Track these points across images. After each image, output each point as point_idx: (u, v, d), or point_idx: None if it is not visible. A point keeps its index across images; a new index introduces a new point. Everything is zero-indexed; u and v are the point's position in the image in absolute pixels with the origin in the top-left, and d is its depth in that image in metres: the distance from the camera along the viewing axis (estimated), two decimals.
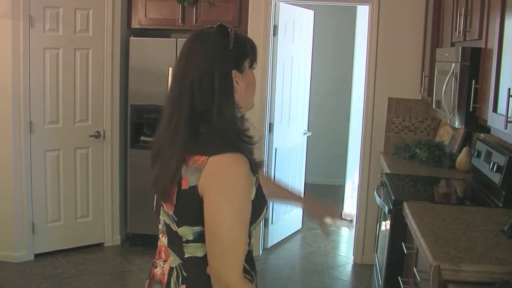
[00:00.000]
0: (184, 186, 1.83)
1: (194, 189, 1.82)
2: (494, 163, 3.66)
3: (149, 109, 5.75)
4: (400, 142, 5.40)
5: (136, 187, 5.89)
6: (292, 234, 6.53)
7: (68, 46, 5.46)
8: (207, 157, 1.81)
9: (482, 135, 4.29)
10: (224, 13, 5.68)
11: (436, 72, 4.02)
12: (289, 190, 2.68)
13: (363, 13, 6.58)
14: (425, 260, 2.56)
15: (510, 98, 2.39)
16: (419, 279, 2.76)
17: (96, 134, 5.69)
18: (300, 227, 6.74)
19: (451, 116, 3.51)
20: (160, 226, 2.04)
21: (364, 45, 5.74)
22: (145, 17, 5.83)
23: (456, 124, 3.46)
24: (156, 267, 2.04)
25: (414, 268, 2.92)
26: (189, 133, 1.87)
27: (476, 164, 4.13)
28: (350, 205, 6.94)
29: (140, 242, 5.96)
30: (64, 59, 5.45)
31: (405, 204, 3.42)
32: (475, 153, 4.16)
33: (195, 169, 1.81)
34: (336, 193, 8.05)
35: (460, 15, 3.65)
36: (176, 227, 1.91)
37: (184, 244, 1.92)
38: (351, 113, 7.41)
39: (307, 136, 6.77)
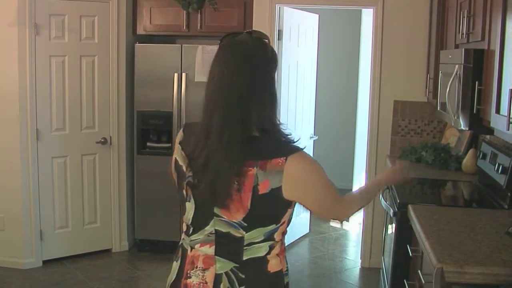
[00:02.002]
0: (264, 190, 1.91)
1: (277, 190, 1.92)
2: (499, 165, 3.65)
3: (155, 115, 5.77)
4: (406, 145, 5.39)
5: (144, 193, 5.91)
6: (300, 238, 6.53)
7: (74, 54, 5.49)
8: (284, 158, 1.92)
9: (488, 136, 4.28)
10: (229, 19, 5.70)
11: (440, 74, 4.02)
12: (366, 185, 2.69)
13: (368, 17, 6.58)
14: (430, 262, 2.55)
15: None
16: (423, 282, 2.76)
17: (102, 140, 5.71)
18: (308, 231, 6.73)
19: (456, 118, 3.51)
20: (200, 237, 2.04)
21: (370, 49, 5.73)
22: (150, 23, 5.85)
23: (461, 126, 3.45)
24: (190, 277, 2.06)
25: (419, 271, 2.91)
26: (243, 139, 1.93)
27: (481, 166, 4.12)
28: None
29: (148, 248, 5.97)
30: (70, 66, 5.48)
31: (410, 207, 3.41)
32: (481, 155, 4.16)
33: (277, 172, 1.91)
34: None
35: (464, 17, 3.64)
36: (244, 232, 1.97)
37: (245, 248, 1.98)
38: (357, 116, 7.42)
39: (314, 140, 6.78)
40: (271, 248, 2.02)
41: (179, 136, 2.14)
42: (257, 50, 2.02)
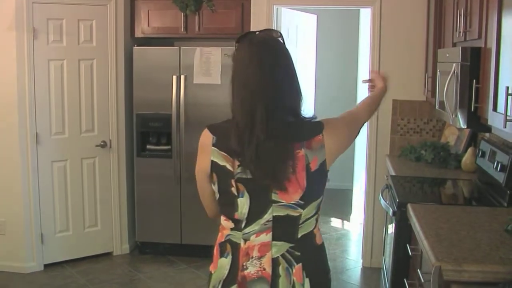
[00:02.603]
0: (314, 166, 2.15)
1: (323, 163, 2.18)
2: (498, 163, 3.65)
3: (154, 117, 5.77)
4: (405, 144, 5.40)
5: (144, 195, 5.91)
6: None
7: (72, 57, 5.49)
8: (321, 134, 2.17)
9: (487, 135, 4.28)
10: (226, 20, 5.70)
11: (438, 73, 4.02)
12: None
13: (366, 16, 6.58)
14: (429, 261, 2.55)
15: (509, 96, 2.39)
16: (423, 281, 2.76)
17: (102, 143, 5.72)
18: None
19: (454, 116, 3.51)
20: (256, 227, 2.15)
21: (368, 48, 5.73)
22: (148, 26, 5.85)
23: (459, 124, 3.45)
24: (247, 268, 2.16)
25: (419, 270, 2.91)
26: (285, 126, 2.13)
27: (481, 164, 4.11)
28: (358, 209, 6.93)
29: (149, 250, 5.98)
30: (69, 70, 5.49)
31: (409, 206, 3.41)
32: (480, 153, 4.15)
33: (320, 147, 2.16)
34: (344, 197, 8.04)
35: (460, 15, 3.65)
36: (301, 210, 2.15)
37: (300, 226, 2.17)
38: None
39: None
40: (316, 221, 2.25)
41: (208, 139, 2.18)
42: (280, 46, 2.22)
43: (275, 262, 2.15)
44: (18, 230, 5.42)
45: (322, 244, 2.31)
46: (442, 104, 3.83)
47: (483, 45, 3.13)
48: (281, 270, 2.15)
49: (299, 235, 2.18)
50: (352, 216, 7.34)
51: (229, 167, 2.13)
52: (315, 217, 2.22)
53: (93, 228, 5.82)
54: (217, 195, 2.21)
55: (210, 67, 5.59)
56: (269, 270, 2.14)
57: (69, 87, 5.51)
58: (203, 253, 5.83)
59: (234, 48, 2.27)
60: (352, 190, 7.62)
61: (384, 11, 5.47)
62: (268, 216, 2.13)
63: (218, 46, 5.64)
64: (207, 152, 2.17)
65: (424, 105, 5.47)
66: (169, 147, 5.79)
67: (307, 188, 2.13)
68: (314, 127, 2.19)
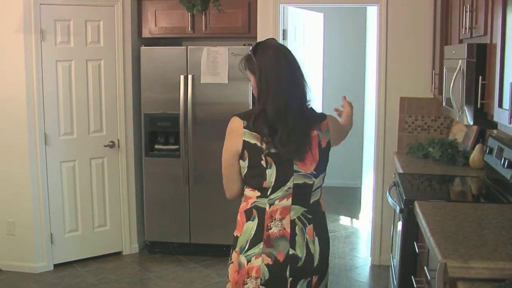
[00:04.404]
0: (324, 144, 2.68)
1: (329, 142, 2.72)
2: (505, 159, 3.64)
3: (162, 117, 5.79)
4: (413, 142, 5.39)
5: (152, 195, 5.93)
6: None
7: (80, 58, 5.52)
8: (326, 120, 2.74)
9: (495, 131, 4.26)
10: (233, 20, 5.72)
11: (444, 69, 4.01)
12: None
13: (373, 14, 6.56)
14: (435, 258, 2.55)
15: None
16: (429, 278, 2.76)
17: (110, 143, 5.74)
18: None
19: (460, 113, 3.50)
20: (280, 193, 2.62)
21: (375, 46, 5.72)
22: (155, 26, 5.87)
23: (465, 121, 3.44)
24: (271, 228, 2.62)
25: (425, 267, 2.91)
26: (305, 113, 2.68)
27: (488, 161, 4.10)
28: (367, 207, 6.92)
29: (158, 250, 6.00)
30: (77, 71, 5.51)
31: (416, 203, 3.40)
32: (488, 150, 4.14)
33: (327, 130, 2.71)
34: (352, 194, 8.05)
35: (466, 11, 3.63)
36: (314, 179, 2.66)
37: (312, 193, 2.68)
38: (365, 114, 7.40)
39: None
40: (321, 192, 2.75)
41: (240, 123, 2.61)
42: (290, 50, 2.75)
43: (292, 223, 2.63)
44: (28, 230, 5.45)
45: (325, 211, 2.82)
46: (449, 101, 3.82)
47: (488, 42, 3.12)
48: (297, 229, 2.64)
49: (311, 201, 2.68)
50: (361, 214, 7.33)
51: (259, 144, 2.58)
52: (321, 187, 2.74)
53: (102, 227, 5.85)
54: (244, 170, 2.64)
55: (217, 66, 5.60)
56: (288, 229, 2.62)
57: (77, 88, 5.54)
58: (212, 252, 5.86)
59: (250, 54, 2.69)
60: (361, 188, 7.62)
61: (390, 8, 5.46)
62: (290, 184, 2.61)
63: (225, 45, 5.65)
64: (239, 134, 2.60)
65: (432, 102, 5.45)
66: (177, 146, 5.80)
67: (319, 161, 2.65)
68: (321, 115, 2.76)
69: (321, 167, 2.68)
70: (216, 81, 5.62)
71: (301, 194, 2.65)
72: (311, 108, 2.73)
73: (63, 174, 5.57)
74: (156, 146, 5.89)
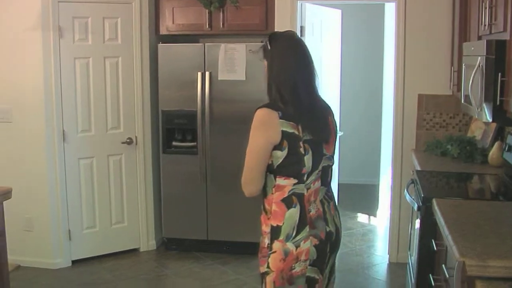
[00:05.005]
0: (334, 128, 2.89)
1: (336, 127, 2.93)
2: None
3: (179, 114, 5.79)
4: (431, 139, 5.35)
5: (170, 192, 5.94)
6: None
7: (98, 55, 5.54)
8: (330, 109, 2.94)
9: None
10: (251, 16, 5.70)
11: (463, 66, 3.98)
12: None
13: (390, 10, 6.53)
14: (453, 256, 2.53)
15: None
16: (447, 276, 2.74)
17: (128, 140, 5.76)
18: None
19: (479, 110, 3.47)
20: (313, 177, 2.74)
21: (393, 43, 5.69)
22: (173, 23, 5.88)
23: (484, 118, 3.41)
24: (310, 211, 2.74)
25: (443, 265, 2.89)
26: (321, 99, 2.89)
27: (508, 158, 4.07)
28: (384, 204, 6.89)
29: (175, 247, 6.01)
30: (94, 68, 5.54)
31: (434, 201, 3.38)
32: (507, 147, 4.10)
33: (333, 116, 2.93)
34: (370, 192, 8.02)
35: (486, 8, 3.60)
36: (333, 160, 2.87)
37: (330, 173, 2.88)
38: (382, 111, 7.37)
39: (339, 136, 6.74)
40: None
41: (274, 114, 2.66)
42: (303, 41, 2.89)
43: (321, 203, 2.78)
44: (46, 226, 5.49)
45: None
46: (467, 98, 3.80)
47: (508, 38, 3.09)
48: (325, 207, 2.80)
49: (329, 181, 2.88)
50: (378, 212, 7.31)
51: (297, 132, 2.66)
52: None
53: (120, 224, 5.87)
54: (279, 160, 2.68)
55: (234, 63, 5.60)
56: (321, 209, 2.77)
57: (95, 85, 5.56)
58: (229, 249, 5.87)
59: (265, 43, 2.80)
60: (378, 185, 7.59)
61: (409, 5, 5.42)
62: (320, 167, 2.76)
63: (242, 42, 5.65)
64: (275, 125, 2.65)
65: (450, 99, 5.41)
66: (194, 143, 5.81)
67: (335, 144, 2.87)
68: (327, 103, 2.93)
69: (335, 149, 2.90)
70: (233, 78, 5.62)
71: (324, 175, 2.81)
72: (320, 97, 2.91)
73: (80, 171, 5.59)
74: (174, 143, 5.90)
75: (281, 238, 2.72)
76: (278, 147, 2.67)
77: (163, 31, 5.93)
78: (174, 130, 5.90)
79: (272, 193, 2.76)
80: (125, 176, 5.84)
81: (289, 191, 2.73)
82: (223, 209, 5.82)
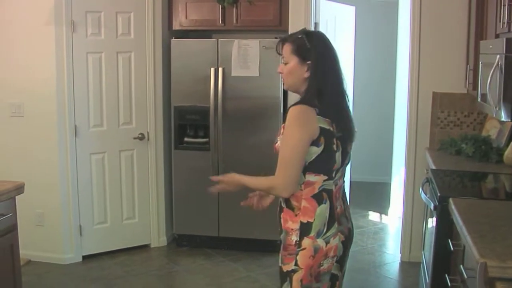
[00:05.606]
0: None
1: None
2: None
3: (192, 110, 5.77)
4: (445, 137, 5.30)
5: (181, 188, 5.92)
6: None
7: (110, 50, 5.52)
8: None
9: None
10: (264, 12, 5.67)
11: (480, 65, 3.93)
12: None
13: (405, 7, 6.48)
14: (472, 257, 2.49)
15: None
16: (466, 277, 2.70)
17: (140, 136, 5.74)
18: None
19: (497, 109, 3.43)
20: (340, 174, 2.82)
21: (407, 40, 5.65)
22: (186, 18, 5.85)
23: (502, 117, 3.37)
24: (337, 207, 2.80)
25: (461, 266, 2.85)
26: None
27: None
28: (396, 202, 6.85)
29: (186, 243, 6.00)
30: (107, 63, 5.52)
31: (451, 200, 3.34)
32: None
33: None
34: (382, 190, 7.98)
35: (504, 5, 3.55)
36: (349, 158, 2.90)
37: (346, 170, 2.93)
38: (395, 109, 7.33)
39: None
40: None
41: (312, 111, 2.66)
42: None
43: (343, 199, 2.88)
44: (57, 221, 5.48)
45: None
46: (484, 97, 3.75)
47: None
48: (344, 205, 2.88)
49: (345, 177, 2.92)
50: (390, 210, 7.27)
51: (332, 129, 2.69)
52: None
53: (131, 220, 5.86)
54: (312, 157, 2.67)
55: (248, 59, 5.56)
56: (343, 206, 2.87)
57: (107, 80, 5.54)
58: (240, 246, 5.84)
59: (303, 38, 2.74)
60: (390, 184, 7.55)
61: (424, 2, 5.37)
62: (345, 164, 2.83)
63: (256, 38, 5.61)
64: (314, 121, 2.65)
65: (465, 97, 5.36)
66: (206, 139, 5.79)
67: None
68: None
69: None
70: (247, 74, 5.59)
71: (344, 172, 2.89)
72: None
73: (92, 166, 5.58)
74: (186, 139, 5.87)
75: (311, 234, 2.71)
76: (315, 142, 2.66)
77: (176, 26, 5.90)
78: (186, 126, 5.87)
79: (301, 190, 2.73)
80: (136, 171, 5.82)
81: (319, 187, 2.73)
82: (235, 206, 5.74)
